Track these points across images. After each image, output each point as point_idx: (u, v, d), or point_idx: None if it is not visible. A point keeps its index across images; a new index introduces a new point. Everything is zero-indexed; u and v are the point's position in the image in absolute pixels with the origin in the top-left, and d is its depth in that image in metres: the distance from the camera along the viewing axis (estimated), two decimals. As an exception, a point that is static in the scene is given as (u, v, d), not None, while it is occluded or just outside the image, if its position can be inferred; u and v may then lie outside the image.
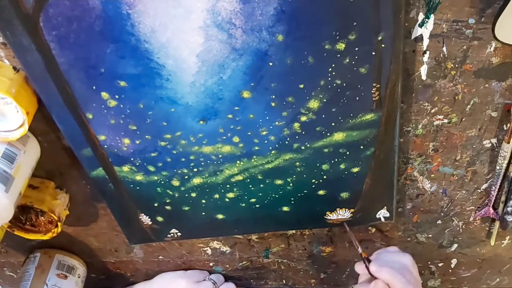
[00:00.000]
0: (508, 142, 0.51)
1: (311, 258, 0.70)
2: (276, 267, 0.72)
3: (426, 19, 0.43)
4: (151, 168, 0.54)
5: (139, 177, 0.55)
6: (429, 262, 0.69)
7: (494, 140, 0.53)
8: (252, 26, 0.41)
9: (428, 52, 0.46)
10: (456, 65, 0.47)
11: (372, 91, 0.46)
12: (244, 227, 0.62)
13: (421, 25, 0.44)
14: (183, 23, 0.41)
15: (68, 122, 0.49)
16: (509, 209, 0.57)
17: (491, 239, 0.64)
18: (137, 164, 0.53)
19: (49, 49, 0.43)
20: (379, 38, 0.42)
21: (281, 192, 0.57)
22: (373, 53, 0.43)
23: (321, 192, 0.56)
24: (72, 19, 0.41)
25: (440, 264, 0.69)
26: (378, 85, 0.46)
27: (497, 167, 0.54)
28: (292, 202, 0.58)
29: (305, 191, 0.56)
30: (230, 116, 0.48)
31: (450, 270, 0.70)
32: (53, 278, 0.65)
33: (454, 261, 0.69)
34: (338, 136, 0.50)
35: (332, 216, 0.60)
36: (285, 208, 0.59)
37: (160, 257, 0.71)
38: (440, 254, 0.68)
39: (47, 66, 0.44)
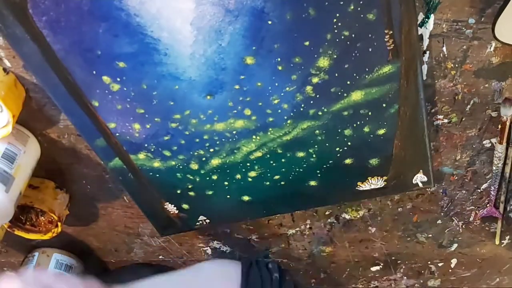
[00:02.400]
0: (501, 143, 0.51)
1: (311, 258, 0.69)
2: (276, 267, 0.71)
3: (426, 19, 0.43)
4: (167, 153, 0.52)
5: (156, 164, 0.53)
6: (429, 262, 0.68)
7: (494, 140, 0.52)
8: (243, -18, 0.39)
9: (428, 52, 0.45)
10: (456, 65, 0.46)
11: (385, 39, 0.42)
12: (272, 207, 0.59)
13: (421, 25, 0.43)
14: (170, -11, 0.39)
15: (76, 112, 0.48)
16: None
17: (495, 238, 0.62)
18: (152, 150, 0.52)
19: (43, 36, 0.42)
20: (383, -24, 0.38)
21: (305, 166, 0.53)
22: (379, -5, 0.39)
23: (348, 161, 0.53)
24: (59, 1, 0.40)
25: (440, 264, 0.68)
26: (391, 32, 0.42)
27: (494, 168, 0.54)
28: (319, 175, 0.54)
29: (330, 162, 0.53)
30: (237, 86, 0.46)
31: (450, 270, 0.69)
32: None
33: (454, 261, 0.68)
34: (356, 96, 0.46)
35: (364, 187, 0.56)
36: (312, 183, 0.55)
37: (160, 257, 0.71)
38: (440, 254, 0.67)
39: (44, 55, 0.43)
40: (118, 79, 0.45)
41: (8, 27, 0.41)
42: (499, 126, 0.50)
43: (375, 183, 0.55)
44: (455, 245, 0.65)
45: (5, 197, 0.47)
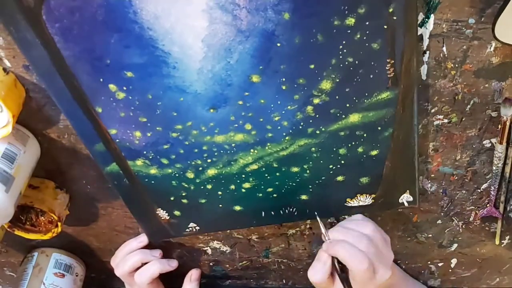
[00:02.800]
0: (501, 143, 0.51)
1: (311, 258, 0.69)
2: (276, 267, 0.71)
3: (426, 19, 0.43)
4: (165, 161, 0.53)
5: (153, 171, 0.54)
6: (429, 262, 0.68)
7: (494, 140, 0.53)
8: (257, 6, 0.40)
9: (428, 52, 0.46)
10: (456, 65, 0.47)
11: (387, 68, 0.44)
12: (262, 218, 0.61)
13: (421, 25, 0.44)
14: (185, 7, 0.40)
15: (78, 117, 0.48)
16: (513, 207, 0.57)
17: (495, 238, 0.63)
18: (150, 157, 0.53)
19: (54, 42, 0.42)
20: (390, 10, 0.40)
21: (298, 180, 0.55)
22: (385, 27, 0.41)
23: (339, 178, 0.55)
24: (74, 9, 0.40)
25: (440, 264, 0.68)
26: (393, 61, 0.44)
27: (494, 168, 0.54)
28: (310, 190, 0.56)
29: (322, 178, 0.55)
30: (240, 102, 0.47)
31: (450, 270, 0.69)
32: (51, 277, 0.65)
33: (454, 261, 0.68)
34: (354, 118, 0.48)
35: (353, 203, 0.58)
36: (304, 197, 0.57)
37: (160, 257, 0.70)
38: (440, 254, 0.67)
39: (53, 60, 0.44)
40: (125, 88, 0.46)
41: (19, 31, 0.41)
42: (499, 126, 0.51)
43: (364, 200, 0.57)
44: (455, 245, 0.65)
45: (5, 197, 0.47)
